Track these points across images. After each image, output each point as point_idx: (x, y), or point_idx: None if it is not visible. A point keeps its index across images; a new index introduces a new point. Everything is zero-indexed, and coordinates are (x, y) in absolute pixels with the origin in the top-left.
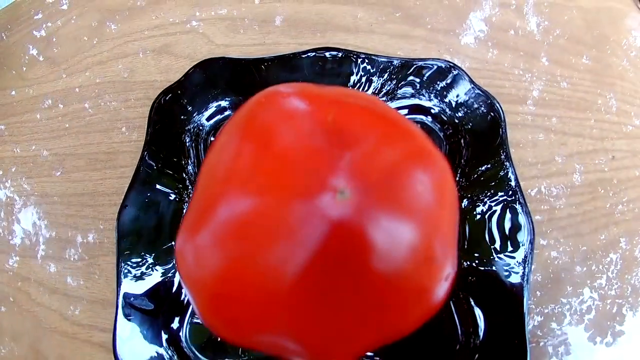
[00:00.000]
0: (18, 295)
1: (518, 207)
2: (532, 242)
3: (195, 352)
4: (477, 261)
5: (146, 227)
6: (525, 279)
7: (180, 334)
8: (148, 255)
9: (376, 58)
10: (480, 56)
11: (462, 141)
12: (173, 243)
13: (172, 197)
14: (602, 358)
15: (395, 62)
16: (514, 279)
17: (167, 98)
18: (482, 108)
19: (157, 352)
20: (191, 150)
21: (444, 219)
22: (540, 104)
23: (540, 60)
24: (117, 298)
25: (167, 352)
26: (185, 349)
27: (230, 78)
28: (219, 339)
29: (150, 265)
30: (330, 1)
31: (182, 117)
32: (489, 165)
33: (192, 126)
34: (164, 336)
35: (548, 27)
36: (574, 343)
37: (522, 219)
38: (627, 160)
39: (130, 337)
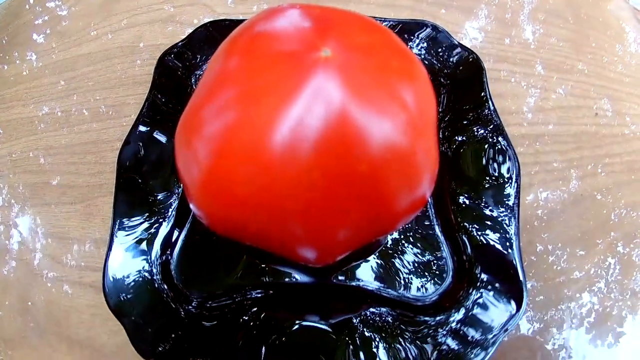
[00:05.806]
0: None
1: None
2: (518, 175)
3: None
4: (467, 194)
5: (147, 162)
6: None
7: (171, 262)
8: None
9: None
10: (462, 22)
11: (442, 84)
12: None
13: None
14: None
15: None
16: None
17: (175, 50)
18: (462, 57)
19: (144, 269)
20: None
21: (421, 97)
22: (521, 64)
23: (520, 28)
24: (113, 215)
25: (154, 270)
26: (173, 273)
27: None
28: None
29: (149, 199)
30: None
31: (189, 64)
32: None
33: (199, 72)
34: (155, 258)
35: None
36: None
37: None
38: (610, 119)
39: (121, 259)
